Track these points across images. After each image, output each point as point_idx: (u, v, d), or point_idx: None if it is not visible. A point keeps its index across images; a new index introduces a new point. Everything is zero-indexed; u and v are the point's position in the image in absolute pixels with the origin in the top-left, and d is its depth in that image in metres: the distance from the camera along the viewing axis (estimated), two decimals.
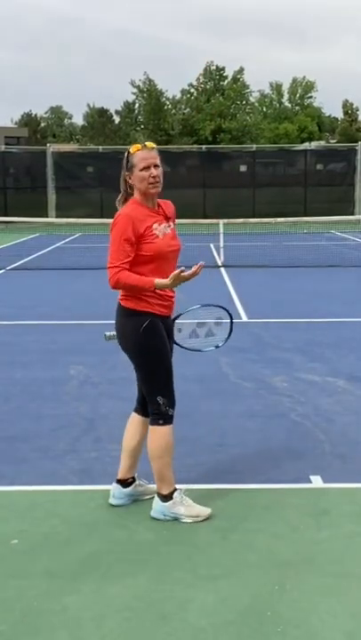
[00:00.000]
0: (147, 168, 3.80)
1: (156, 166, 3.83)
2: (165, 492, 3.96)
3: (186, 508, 3.95)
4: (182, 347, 4.12)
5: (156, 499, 4.00)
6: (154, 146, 3.92)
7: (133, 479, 4.19)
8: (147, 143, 3.91)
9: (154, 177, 3.81)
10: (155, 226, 3.86)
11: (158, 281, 3.76)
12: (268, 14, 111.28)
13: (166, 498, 3.96)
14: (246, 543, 3.71)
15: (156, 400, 3.91)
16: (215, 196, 24.44)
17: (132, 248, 3.78)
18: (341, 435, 5.21)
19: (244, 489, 4.34)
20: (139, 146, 3.87)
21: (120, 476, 4.17)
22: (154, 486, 4.21)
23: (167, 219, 3.97)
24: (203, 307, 4.10)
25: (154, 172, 3.81)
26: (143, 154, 3.82)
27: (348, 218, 21.48)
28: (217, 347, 4.20)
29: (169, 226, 3.97)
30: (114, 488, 4.15)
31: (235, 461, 4.73)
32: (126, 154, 3.88)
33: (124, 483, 4.17)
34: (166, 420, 3.92)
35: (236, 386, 6.37)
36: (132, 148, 3.87)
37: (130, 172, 3.86)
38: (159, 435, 3.93)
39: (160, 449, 3.92)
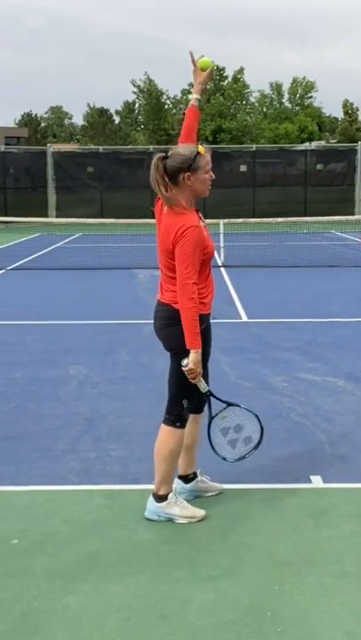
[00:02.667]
0: (208, 171, 3.83)
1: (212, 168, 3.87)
2: (163, 492, 3.96)
3: (181, 509, 3.95)
4: (210, 432, 4.01)
5: (151, 499, 3.99)
6: None
7: (195, 475, 4.21)
8: (204, 146, 3.89)
9: (212, 179, 3.87)
10: (202, 224, 3.86)
11: (200, 352, 3.74)
12: (269, 14, 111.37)
13: (161, 498, 3.95)
14: (246, 543, 3.71)
15: (181, 402, 3.90)
16: (215, 195, 24.37)
17: (200, 262, 3.79)
18: (341, 435, 5.21)
19: (244, 489, 4.34)
20: (202, 148, 3.83)
21: (180, 472, 4.19)
22: (218, 484, 4.28)
23: (197, 212, 3.94)
24: (257, 420, 4.04)
25: (212, 174, 3.86)
26: (207, 157, 3.82)
27: (348, 218, 21.48)
28: (224, 458, 4.06)
29: (201, 218, 3.95)
30: (176, 483, 4.14)
31: None
32: (194, 155, 3.77)
33: (185, 478, 4.19)
34: (183, 424, 3.92)
35: (237, 386, 6.37)
36: (200, 149, 3.81)
37: (193, 173, 3.77)
38: (174, 438, 3.91)
39: (172, 453, 3.92)
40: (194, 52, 4.18)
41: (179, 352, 3.79)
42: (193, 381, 3.80)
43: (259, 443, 4.05)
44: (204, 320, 3.84)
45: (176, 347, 3.82)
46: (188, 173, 3.75)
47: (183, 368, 3.76)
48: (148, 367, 6.90)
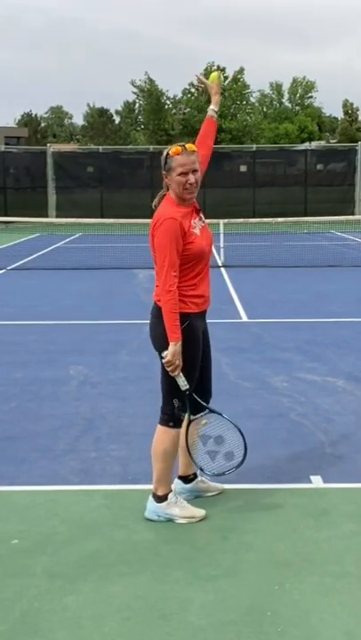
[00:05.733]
0: (184, 174, 3.72)
1: (194, 171, 3.74)
2: (161, 493, 3.95)
3: (180, 509, 3.94)
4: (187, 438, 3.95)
5: (151, 499, 3.99)
6: (195, 149, 3.80)
7: (195, 475, 4.20)
8: (187, 146, 3.77)
9: (191, 184, 3.74)
10: (193, 222, 3.81)
11: (180, 344, 3.71)
12: (269, 14, 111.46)
13: (161, 499, 3.95)
14: (246, 543, 3.71)
15: (171, 402, 3.88)
16: (215, 195, 24.45)
17: (179, 254, 3.71)
18: (341, 435, 5.21)
19: (244, 489, 4.34)
20: (179, 148, 3.73)
21: (180, 472, 4.20)
22: (218, 484, 4.26)
23: (198, 211, 3.91)
24: (238, 432, 3.89)
25: (191, 178, 3.73)
26: (182, 159, 3.71)
27: (348, 218, 21.49)
28: (201, 469, 4.02)
29: (201, 219, 3.91)
30: (176, 483, 4.14)
31: None
32: (165, 154, 3.78)
33: (186, 479, 4.20)
34: (176, 423, 3.90)
35: (236, 386, 6.37)
36: (172, 150, 3.75)
37: (168, 173, 3.77)
38: (167, 437, 3.90)
39: (166, 452, 3.91)
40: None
41: (165, 351, 3.78)
42: (172, 375, 3.77)
43: (242, 461, 3.94)
44: (188, 318, 3.80)
45: (162, 346, 3.80)
46: (165, 172, 3.80)
47: (163, 360, 3.75)
48: (147, 367, 6.89)
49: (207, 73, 50.50)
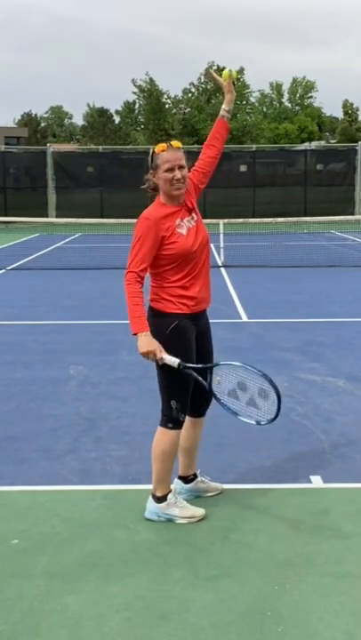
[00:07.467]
0: (170, 170, 3.73)
1: (180, 167, 3.74)
2: (160, 493, 3.95)
3: (180, 509, 3.94)
4: (220, 402, 3.83)
5: (150, 499, 3.99)
6: (180, 145, 3.81)
7: (195, 476, 4.21)
8: (172, 143, 3.79)
9: (177, 179, 3.74)
10: (178, 222, 3.79)
11: (146, 334, 3.67)
12: (269, 14, 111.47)
13: (160, 499, 3.95)
14: (246, 543, 3.71)
15: (169, 404, 3.87)
16: (215, 195, 24.44)
17: (151, 253, 3.72)
18: (341, 435, 5.21)
19: (244, 489, 4.34)
20: (164, 145, 3.77)
21: (180, 472, 4.21)
22: (217, 484, 4.27)
23: (190, 210, 3.89)
24: (244, 367, 3.71)
25: (178, 174, 3.73)
26: (168, 155, 3.73)
27: (348, 218, 21.48)
28: (258, 423, 3.72)
29: (192, 218, 3.88)
30: (176, 483, 4.15)
31: (235, 461, 4.72)
32: (151, 152, 3.81)
33: (185, 479, 4.21)
34: (176, 425, 3.89)
35: None
36: (158, 148, 3.78)
37: (154, 171, 3.79)
38: (166, 438, 3.90)
39: (164, 453, 3.90)
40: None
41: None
42: (160, 363, 3.72)
43: (277, 390, 3.57)
44: (177, 319, 3.78)
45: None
46: (152, 171, 3.81)
47: (140, 356, 3.71)
48: (147, 367, 6.85)
49: (207, 74, 50.69)
